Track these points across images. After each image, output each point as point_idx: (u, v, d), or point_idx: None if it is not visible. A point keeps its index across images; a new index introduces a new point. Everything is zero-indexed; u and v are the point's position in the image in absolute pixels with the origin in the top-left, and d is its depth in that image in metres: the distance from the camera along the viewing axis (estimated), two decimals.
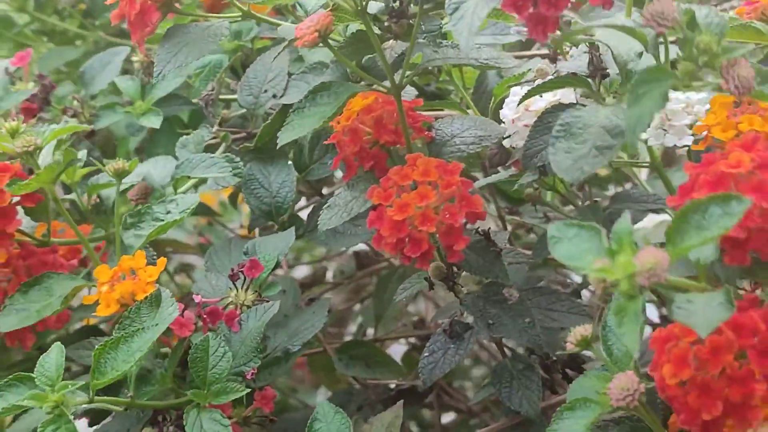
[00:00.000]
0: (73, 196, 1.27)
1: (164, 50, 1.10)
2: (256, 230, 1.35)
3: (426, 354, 1.14)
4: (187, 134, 1.34)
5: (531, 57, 1.28)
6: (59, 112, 1.43)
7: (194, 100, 1.40)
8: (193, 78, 1.41)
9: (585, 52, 1.02)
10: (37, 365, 1.01)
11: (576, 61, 1.04)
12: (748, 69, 0.84)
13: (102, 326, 1.35)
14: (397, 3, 1.06)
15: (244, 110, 1.33)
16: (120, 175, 1.17)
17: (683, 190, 0.85)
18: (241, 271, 1.14)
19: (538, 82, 1.08)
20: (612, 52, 0.95)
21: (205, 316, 1.11)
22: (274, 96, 1.27)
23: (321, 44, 1.01)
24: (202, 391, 1.04)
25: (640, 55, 0.94)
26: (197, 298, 1.13)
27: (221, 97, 1.39)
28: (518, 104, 1.08)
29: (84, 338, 1.22)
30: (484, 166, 1.34)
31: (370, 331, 1.59)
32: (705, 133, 0.97)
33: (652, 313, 1.47)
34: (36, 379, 1.00)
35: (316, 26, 1.01)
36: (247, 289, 1.15)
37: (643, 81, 0.85)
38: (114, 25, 1.20)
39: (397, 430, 1.13)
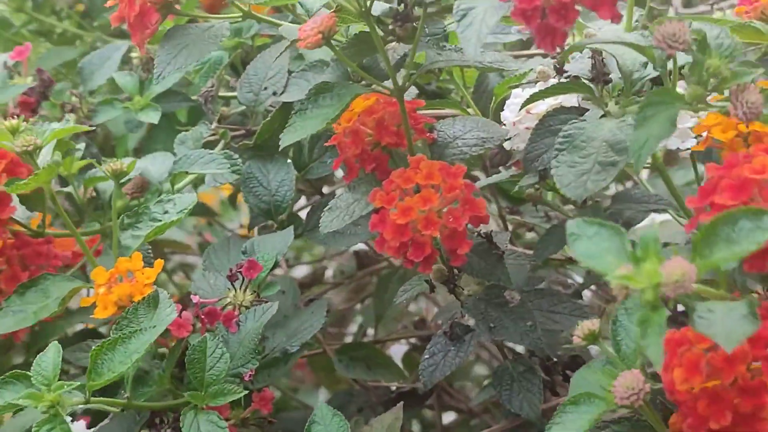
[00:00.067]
0: (69, 189, 1.27)
1: (164, 52, 1.09)
2: (255, 229, 1.34)
3: (426, 356, 1.13)
4: (186, 131, 1.33)
5: (531, 56, 1.27)
6: (57, 107, 1.42)
7: (193, 97, 1.39)
8: (193, 75, 1.39)
9: (588, 57, 1.01)
10: (33, 364, 1.00)
11: (578, 63, 1.03)
12: (757, 95, 0.84)
13: (102, 329, 1.35)
14: (402, 6, 1.05)
15: (243, 107, 1.33)
16: (118, 176, 1.16)
17: (704, 191, 0.84)
18: (240, 272, 1.13)
19: (540, 83, 1.08)
20: (617, 61, 0.94)
21: (203, 316, 1.10)
22: (274, 93, 1.26)
23: (324, 45, 1.00)
24: (200, 392, 1.03)
25: (646, 65, 0.93)
26: (195, 299, 1.12)
27: (221, 94, 1.38)
28: (520, 109, 1.07)
29: (83, 341, 1.21)
30: (486, 166, 1.33)
31: (371, 331, 1.59)
32: (705, 133, 0.97)
33: None
34: (32, 378, 0.99)
35: (319, 28, 0.99)
36: (245, 290, 1.14)
37: (650, 103, 0.84)
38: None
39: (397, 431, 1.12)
